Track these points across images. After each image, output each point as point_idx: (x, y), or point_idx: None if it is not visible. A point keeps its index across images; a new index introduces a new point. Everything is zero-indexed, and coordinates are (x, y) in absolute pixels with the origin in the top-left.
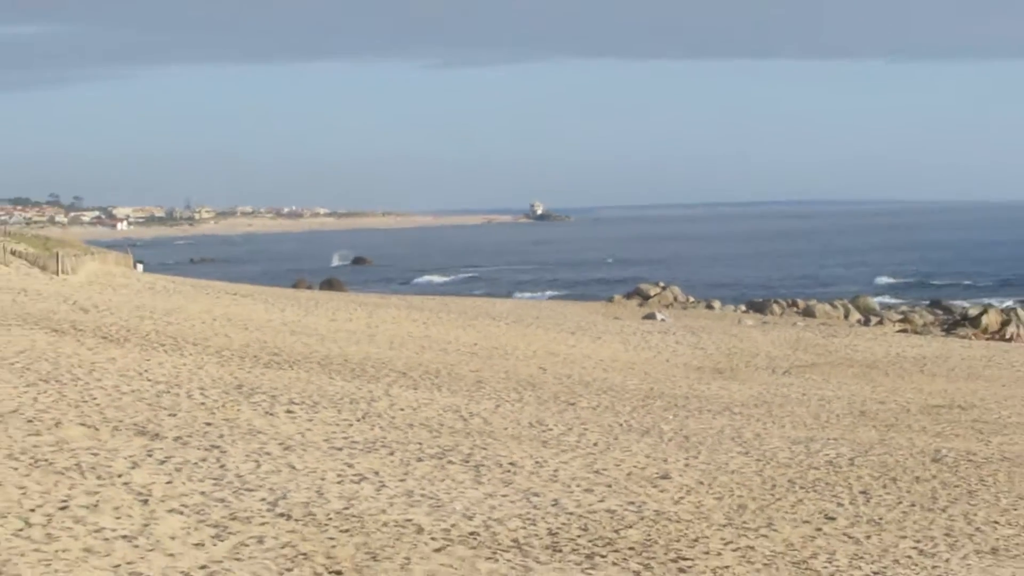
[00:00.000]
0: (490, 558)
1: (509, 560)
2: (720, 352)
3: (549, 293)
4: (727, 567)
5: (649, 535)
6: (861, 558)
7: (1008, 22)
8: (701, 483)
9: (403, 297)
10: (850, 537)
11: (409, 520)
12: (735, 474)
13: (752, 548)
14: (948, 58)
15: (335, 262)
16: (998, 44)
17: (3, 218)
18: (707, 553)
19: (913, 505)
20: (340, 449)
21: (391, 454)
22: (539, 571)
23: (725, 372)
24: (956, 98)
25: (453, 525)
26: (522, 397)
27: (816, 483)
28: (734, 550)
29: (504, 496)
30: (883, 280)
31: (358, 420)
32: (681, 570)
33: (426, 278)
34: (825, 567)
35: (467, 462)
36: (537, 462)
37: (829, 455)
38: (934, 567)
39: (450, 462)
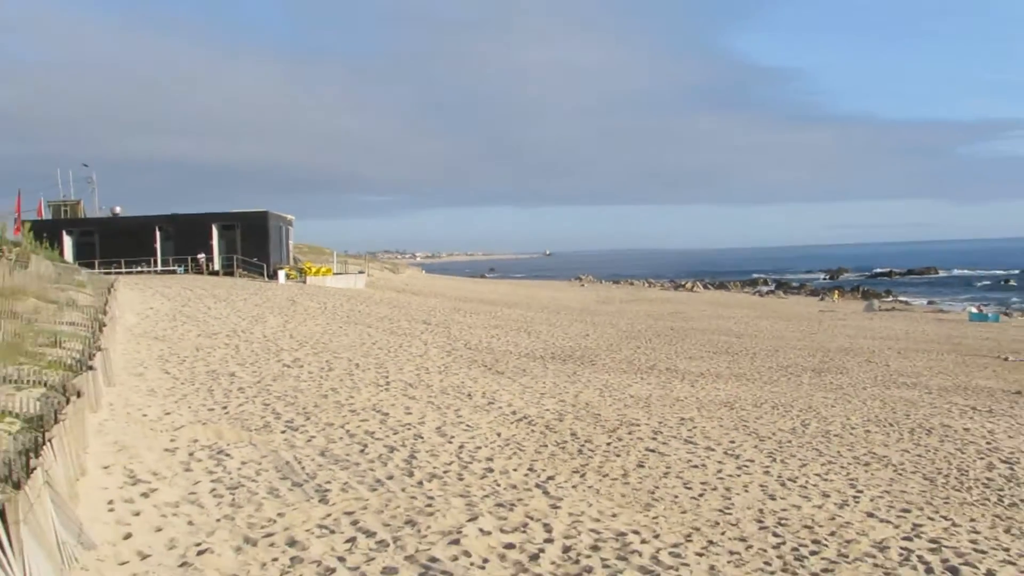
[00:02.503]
0: (533, 361)
1: (537, 361)
2: (605, 296)
3: (527, 280)
4: (606, 363)
5: (584, 353)
6: (654, 359)
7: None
8: (599, 337)
9: (509, 279)
10: (647, 355)
11: (508, 348)
12: (611, 335)
13: (614, 356)
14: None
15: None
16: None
17: (381, 257)
18: (601, 359)
19: (667, 343)
20: (487, 328)
21: (502, 329)
22: (549, 365)
23: (605, 302)
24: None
25: (523, 350)
26: (543, 311)
27: (638, 335)
28: (611, 358)
29: (536, 341)
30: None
31: (492, 319)
32: (592, 364)
33: (491, 275)
34: (645, 361)
35: (525, 331)
36: (548, 331)
37: (640, 328)
38: (671, 361)
39: (519, 331)
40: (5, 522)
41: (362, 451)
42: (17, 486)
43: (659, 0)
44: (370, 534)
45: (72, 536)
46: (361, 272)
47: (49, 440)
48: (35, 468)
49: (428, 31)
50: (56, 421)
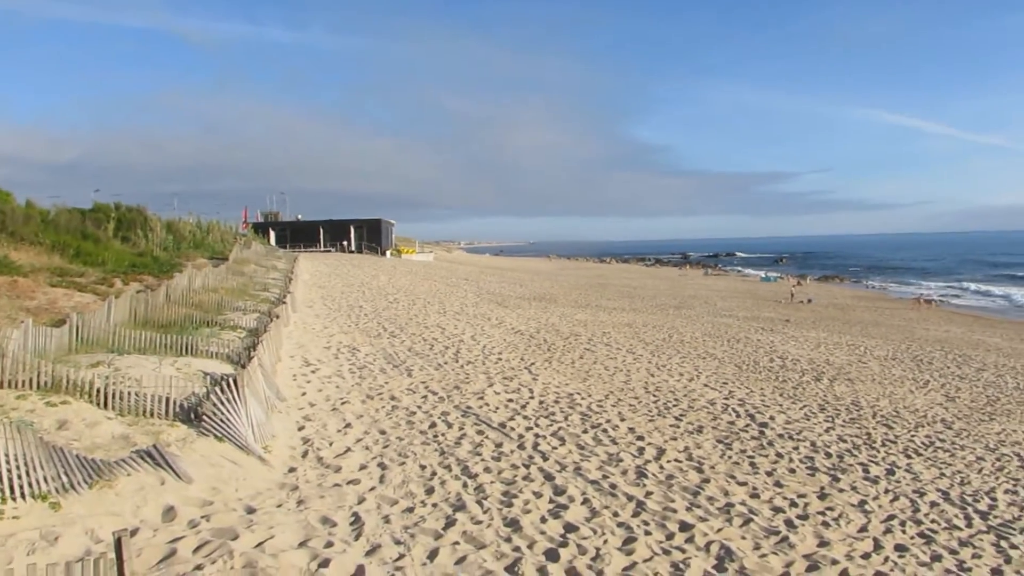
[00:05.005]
0: (523, 300)
1: (525, 300)
2: (563, 266)
3: (519, 256)
4: (562, 302)
5: (550, 296)
6: (588, 300)
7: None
8: (559, 288)
9: (509, 256)
10: (584, 297)
11: (509, 293)
12: (565, 287)
13: (567, 298)
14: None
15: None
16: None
17: (442, 244)
18: (559, 300)
19: (595, 291)
20: (498, 282)
21: (506, 283)
22: (532, 302)
23: (563, 269)
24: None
25: (517, 294)
26: (528, 273)
27: (580, 287)
28: (565, 299)
29: (524, 289)
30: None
31: (500, 277)
32: (554, 302)
33: (500, 254)
34: (583, 301)
35: (518, 284)
36: (531, 284)
37: (581, 283)
38: (597, 301)
39: (515, 284)
40: (238, 385)
41: (431, 348)
42: (243, 366)
43: (590, 106)
44: (434, 393)
45: (272, 393)
46: (431, 252)
47: (261, 341)
48: (253, 356)
49: (466, 123)
50: (265, 331)
